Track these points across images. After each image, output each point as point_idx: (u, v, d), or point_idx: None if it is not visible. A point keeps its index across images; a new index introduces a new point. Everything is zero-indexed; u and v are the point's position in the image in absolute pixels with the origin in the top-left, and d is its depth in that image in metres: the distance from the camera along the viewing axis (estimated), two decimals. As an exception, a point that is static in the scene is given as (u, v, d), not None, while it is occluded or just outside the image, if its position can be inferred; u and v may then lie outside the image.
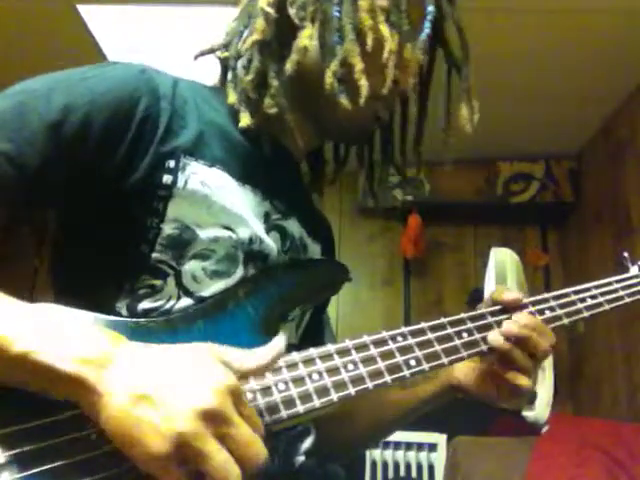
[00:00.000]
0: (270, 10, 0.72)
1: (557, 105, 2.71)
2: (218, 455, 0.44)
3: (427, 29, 0.72)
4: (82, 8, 2.19)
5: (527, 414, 2.65)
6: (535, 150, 3.19)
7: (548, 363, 2.76)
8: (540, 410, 2.65)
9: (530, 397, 2.82)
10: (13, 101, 0.61)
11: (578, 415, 2.97)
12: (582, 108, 2.74)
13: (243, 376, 0.52)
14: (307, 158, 0.90)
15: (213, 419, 0.44)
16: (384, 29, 0.70)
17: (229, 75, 0.77)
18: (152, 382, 0.45)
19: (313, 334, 0.83)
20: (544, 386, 2.67)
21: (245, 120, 0.71)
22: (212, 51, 0.79)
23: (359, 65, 0.69)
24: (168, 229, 0.65)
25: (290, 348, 0.59)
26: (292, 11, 0.72)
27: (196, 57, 0.78)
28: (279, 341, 0.54)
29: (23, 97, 0.62)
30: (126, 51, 2.38)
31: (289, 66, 0.71)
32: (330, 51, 0.70)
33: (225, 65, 0.79)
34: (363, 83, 0.69)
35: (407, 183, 3.28)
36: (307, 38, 0.70)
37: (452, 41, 0.80)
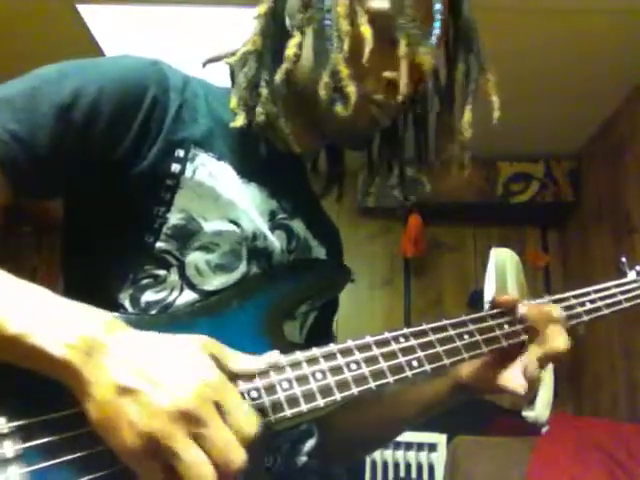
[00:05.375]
0: (259, 22, 0.73)
1: (557, 105, 2.72)
2: (189, 456, 0.44)
3: (436, 29, 0.71)
4: (82, 8, 2.19)
5: (527, 414, 2.65)
6: (535, 150, 3.19)
7: (548, 363, 2.76)
8: (540, 410, 2.64)
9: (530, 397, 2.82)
10: (26, 85, 0.63)
11: (578, 415, 2.97)
12: (582, 108, 2.74)
13: (231, 375, 0.52)
14: (327, 157, 0.90)
15: (189, 420, 0.44)
16: (365, 31, 0.69)
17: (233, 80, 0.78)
18: (135, 375, 0.45)
19: (319, 336, 0.84)
20: (544, 386, 2.67)
21: (239, 121, 0.72)
22: (219, 59, 0.79)
23: (344, 72, 0.69)
24: (174, 219, 0.66)
25: (293, 347, 0.60)
26: (287, 20, 0.73)
27: (205, 64, 0.79)
28: (274, 354, 0.56)
29: (35, 82, 0.63)
30: (126, 51, 2.37)
31: (278, 76, 0.71)
32: (321, 60, 0.70)
33: (231, 70, 0.80)
34: (350, 89, 0.68)
35: (407, 183, 3.27)
36: (294, 47, 0.71)
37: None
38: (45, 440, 0.46)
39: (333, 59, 0.69)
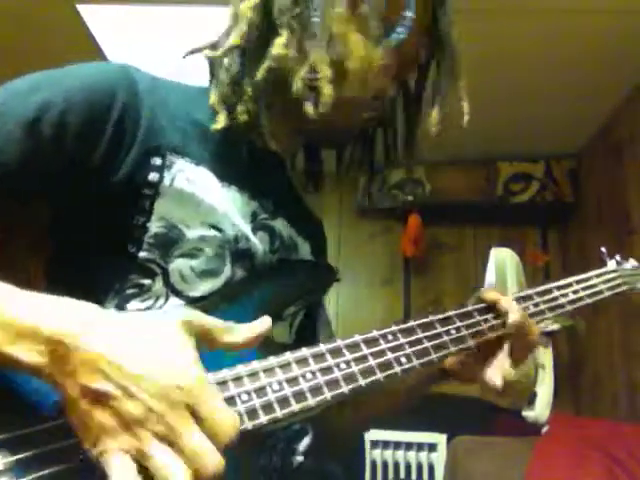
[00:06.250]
0: (252, 15, 0.71)
1: (557, 105, 2.72)
2: (158, 462, 0.43)
3: (399, 34, 0.71)
4: (82, 8, 2.19)
5: (527, 414, 2.66)
6: (535, 150, 3.19)
7: (548, 363, 2.77)
8: (540, 410, 2.65)
9: (530, 397, 2.84)
10: None
11: (578, 415, 2.97)
12: (582, 108, 2.74)
13: (224, 347, 0.52)
14: (305, 155, 0.90)
15: (159, 425, 0.44)
16: (354, 38, 0.70)
17: (213, 75, 0.77)
18: (105, 380, 0.44)
19: (308, 334, 0.84)
20: (544, 386, 2.67)
21: (221, 122, 0.71)
22: (199, 50, 0.79)
23: (326, 72, 0.69)
24: (155, 227, 0.65)
25: (284, 348, 0.60)
26: (275, 16, 0.72)
27: (185, 56, 0.78)
28: (264, 321, 0.55)
29: (3, 97, 0.63)
30: (126, 51, 2.38)
31: (259, 73, 0.70)
32: (303, 57, 0.70)
33: (211, 64, 0.79)
34: (327, 92, 0.68)
35: (407, 183, 3.29)
36: (280, 46, 0.70)
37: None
38: (35, 452, 0.46)
39: (315, 57, 0.69)
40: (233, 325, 0.53)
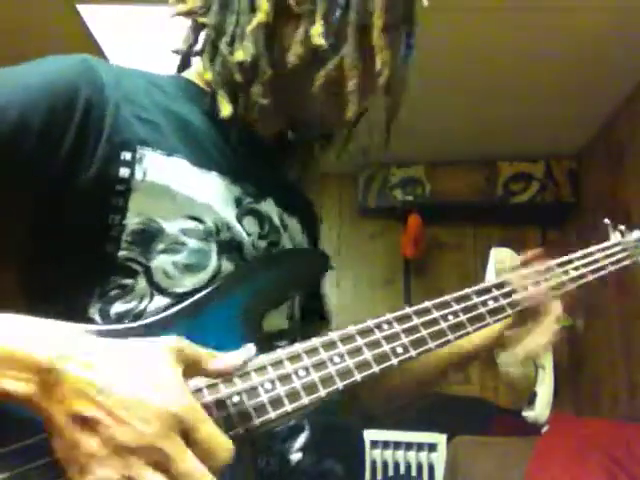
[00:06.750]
0: None
1: (557, 105, 2.72)
2: None
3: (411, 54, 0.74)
4: (82, 8, 2.19)
5: (527, 414, 2.65)
6: (535, 150, 3.19)
7: (548, 363, 2.76)
8: (540, 410, 2.64)
9: (530, 397, 2.83)
10: None
11: (578, 415, 2.97)
12: (582, 108, 2.74)
13: (208, 375, 0.51)
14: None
15: (152, 453, 0.43)
16: (387, 53, 0.69)
17: (204, 46, 0.76)
18: (95, 407, 0.43)
19: (311, 315, 0.83)
20: (544, 386, 2.67)
21: (227, 109, 0.70)
22: (189, 14, 0.77)
23: (355, 81, 0.68)
24: (132, 224, 0.63)
25: (281, 334, 0.58)
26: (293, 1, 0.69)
27: (172, 16, 0.77)
28: (249, 348, 0.54)
29: None
30: (126, 51, 2.38)
31: (292, 59, 0.69)
32: (325, 53, 0.68)
33: (197, 29, 0.77)
34: (354, 100, 0.68)
35: (407, 183, 3.28)
36: (319, 36, 0.67)
37: None
38: (15, 471, 0.45)
39: (346, 63, 0.68)
40: (217, 353, 0.52)
